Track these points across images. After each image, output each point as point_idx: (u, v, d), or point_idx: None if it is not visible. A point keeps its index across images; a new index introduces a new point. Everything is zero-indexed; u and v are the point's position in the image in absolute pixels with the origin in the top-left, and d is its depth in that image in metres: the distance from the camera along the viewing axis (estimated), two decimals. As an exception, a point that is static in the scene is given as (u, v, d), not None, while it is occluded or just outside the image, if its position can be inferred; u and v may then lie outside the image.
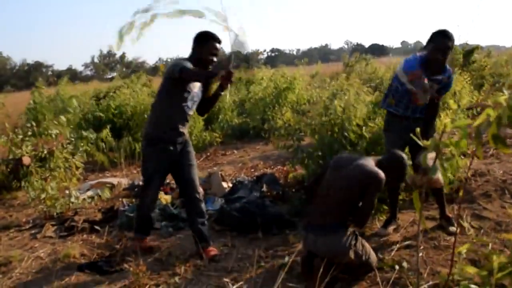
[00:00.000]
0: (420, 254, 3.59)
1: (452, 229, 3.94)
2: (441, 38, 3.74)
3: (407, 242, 3.82)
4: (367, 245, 3.34)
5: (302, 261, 3.34)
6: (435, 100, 3.92)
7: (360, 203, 3.19)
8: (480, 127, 1.50)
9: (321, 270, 2.83)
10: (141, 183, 5.97)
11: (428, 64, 3.80)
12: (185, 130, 3.98)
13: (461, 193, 2.78)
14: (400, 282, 3.18)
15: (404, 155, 3.50)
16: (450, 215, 4.12)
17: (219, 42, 3.85)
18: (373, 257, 3.31)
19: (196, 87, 3.89)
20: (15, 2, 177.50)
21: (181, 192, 4.25)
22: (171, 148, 3.89)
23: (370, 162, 3.30)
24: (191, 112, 3.98)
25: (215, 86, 4.02)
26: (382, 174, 3.18)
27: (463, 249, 2.06)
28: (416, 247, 3.72)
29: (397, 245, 3.76)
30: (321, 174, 3.47)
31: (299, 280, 3.32)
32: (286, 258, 3.63)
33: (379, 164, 3.32)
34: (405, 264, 3.40)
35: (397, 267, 3.33)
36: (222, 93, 3.95)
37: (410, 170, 4.42)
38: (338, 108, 4.82)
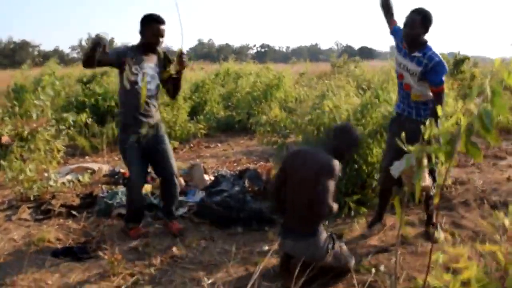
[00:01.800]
0: (395, 259, 3.60)
1: (437, 236, 3.95)
2: (409, 14, 3.76)
3: (385, 246, 3.84)
4: (345, 247, 3.34)
5: (281, 260, 3.32)
6: (433, 91, 3.79)
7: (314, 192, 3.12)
8: (454, 134, 1.51)
9: (298, 269, 2.81)
10: (121, 170, 5.94)
11: (406, 42, 3.84)
12: (151, 111, 4.03)
13: (436, 200, 2.72)
14: (376, 285, 3.19)
15: (350, 126, 3.48)
16: (436, 222, 4.14)
17: (162, 22, 3.93)
18: (350, 259, 3.30)
19: (146, 67, 3.95)
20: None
21: (157, 173, 4.30)
22: (142, 132, 3.97)
23: (320, 152, 3.25)
24: (153, 93, 4.05)
25: (171, 69, 4.08)
26: (334, 161, 3.13)
27: (440, 256, 2.07)
28: (393, 252, 3.74)
29: (375, 249, 3.77)
30: (279, 179, 3.39)
31: (275, 278, 3.30)
32: (260, 257, 3.62)
33: (328, 150, 3.27)
34: (382, 267, 3.41)
35: (373, 270, 3.33)
36: (180, 75, 4.13)
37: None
38: (325, 108, 4.80)
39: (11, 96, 9.58)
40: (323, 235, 3.20)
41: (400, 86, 3.98)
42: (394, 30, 4.05)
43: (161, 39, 3.96)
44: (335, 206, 3.16)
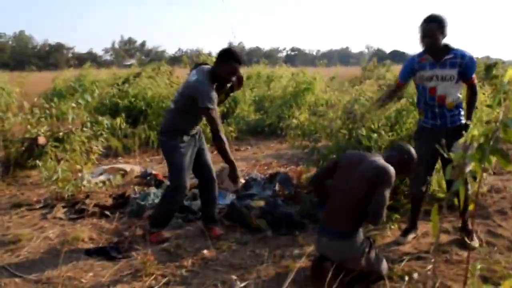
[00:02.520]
0: (430, 266, 3.54)
1: (473, 243, 3.88)
2: (423, 24, 3.79)
3: (419, 254, 3.77)
4: (380, 254, 3.29)
5: (313, 264, 3.29)
6: (472, 82, 3.86)
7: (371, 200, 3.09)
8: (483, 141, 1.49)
9: (330, 274, 2.79)
10: (153, 171, 6.01)
11: (429, 52, 3.84)
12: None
13: (471, 207, 2.63)
14: (408, 293, 3.13)
15: (411, 147, 3.47)
16: (472, 229, 4.05)
17: (240, 63, 3.98)
18: (384, 266, 3.26)
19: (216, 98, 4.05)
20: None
21: (197, 175, 4.30)
22: (191, 138, 4.07)
23: (379, 158, 3.24)
24: None
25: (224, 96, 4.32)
26: (391, 168, 3.12)
27: (477, 266, 2.02)
28: (427, 259, 3.67)
29: (408, 256, 3.71)
30: (328, 170, 3.40)
31: (306, 283, 3.28)
32: (291, 261, 3.60)
33: (387, 159, 3.27)
34: (415, 275, 3.34)
35: (406, 278, 3.28)
36: (230, 94, 4.30)
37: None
38: (357, 113, 4.75)
39: (48, 98, 9.84)
40: (361, 237, 3.16)
41: (431, 101, 3.90)
42: (405, 79, 4.09)
43: (233, 78, 4.04)
44: (384, 214, 3.12)
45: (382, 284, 3.19)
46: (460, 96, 3.95)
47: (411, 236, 4.09)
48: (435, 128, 3.91)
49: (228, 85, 4.12)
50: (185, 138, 4.00)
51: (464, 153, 1.58)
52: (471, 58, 3.80)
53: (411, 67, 3.96)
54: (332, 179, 3.35)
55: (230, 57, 3.91)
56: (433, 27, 3.73)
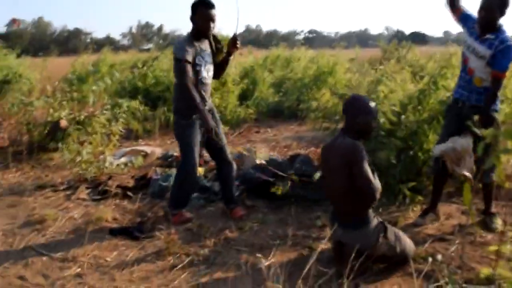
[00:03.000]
0: (454, 248, 3.50)
1: (496, 226, 3.83)
2: None
3: (442, 236, 3.74)
4: (401, 234, 3.24)
5: (334, 246, 3.27)
6: (495, 75, 3.66)
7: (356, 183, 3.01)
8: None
9: (352, 256, 2.77)
10: (174, 153, 6.04)
11: (479, 25, 3.72)
12: (208, 96, 4.12)
13: (507, 184, 2.63)
14: (433, 275, 3.10)
15: (354, 95, 3.36)
16: (495, 212, 3.99)
17: (213, 7, 3.92)
18: (409, 246, 3.21)
19: (206, 55, 4.01)
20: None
21: (213, 157, 4.30)
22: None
23: (343, 138, 3.10)
24: (209, 80, 4.13)
25: (222, 53, 4.21)
26: (352, 144, 3.01)
27: (508, 249, 1.98)
28: (450, 241, 3.63)
29: (432, 238, 3.67)
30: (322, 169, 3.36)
31: (329, 264, 3.27)
32: (313, 242, 3.61)
33: (347, 130, 3.13)
34: (439, 257, 3.31)
35: (430, 259, 3.25)
36: (230, 57, 4.19)
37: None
38: (381, 94, 4.70)
39: (69, 82, 9.94)
40: (373, 223, 3.10)
41: (463, 70, 3.85)
42: (462, 17, 3.90)
43: (212, 24, 3.96)
44: (378, 185, 3.04)
45: (405, 266, 3.16)
46: None
47: (429, 218, 4.05)
48: (461, 102, 3.82)
49: (209, 33, 4.00)
50: (195, 116, 3.95)
51: (497, 130, 1.55)
52: (508, 48, 3.57)
53: (469, 22, 3.84)
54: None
55: (196, 6, 3.89)
56: (493, 2, 3.61)
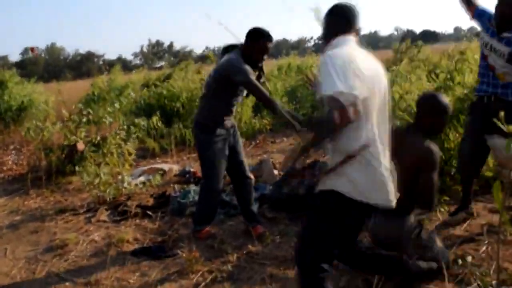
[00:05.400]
0: (484, 249, 3.39)
1: None
2: None
3: (471, 236, 3.63)
4: (438, 240, 3.10)
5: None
6: None
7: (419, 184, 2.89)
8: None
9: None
10: (191, 169, 6.02)
11: (496, 21, 3.61)
12: (233, 113, 4.11)
13: None
14: (464, 277, 3.00)
15: (430, 92, 3.23)
16: None
17: (271, 40, 3.85)
18: (442, 252, 3.07)
19: None
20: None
21: (231, 174, 4.19)
22: (224, 132, 3.95)
23: (417, 137, 2.95)
24: (240, 101, 4.19)
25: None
26: (431, 150, 2.85)
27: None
28: (480, 241, 3.52)
29: (460, 239, 3.57)
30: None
31: (355, 272, 3.19)
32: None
33: (419, 127, 2.98)
34: (469, 258, 3.21)
35: (460, 261, 3.15)
36: (261, 80, 4.06)
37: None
38: (396, 95, 4.61)
39: (87, 104, 10.04)
40: (412, 219, 3.02)
41: (484, 67, 3.75)
42: (477, 14, 3.81)
43: (265, 57, 3.92)
44: (435, 200, 2.94)
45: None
46: None
47: (460, 215, 3.94)
48: (487, 98, 3.73)
49: (260, 64, 3.96)
50: (219, 131, 3.90)
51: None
52: None
53: (484, 17, 3.74)
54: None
55: (260, 35, 3.80)
56: None
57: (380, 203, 2.28)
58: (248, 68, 3.74)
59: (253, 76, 3.76)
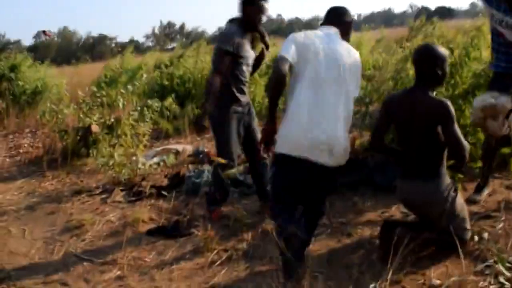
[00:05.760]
0: (501, 225, 3.36)
1: None
2: None
3: (487, 213, 3.60)
4: (466, 208, 3.10)
5: (382, 229, 3.16)
6: None
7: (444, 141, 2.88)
8: None
9: (405, 241, 2.67)
10: (205, 149, 6.03)
11: None
12: (246, 90, 4.04)
13: None
14: (480, 254, 2.98)
15: (427, 43, 3.27)
16: None
17: (266, 0, 3.81)
18: (467, 224, 3.08)
19: (249, 50, 3.91)
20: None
21: (247, 154, 4.18)
22: (240, 109, 3.92)
23: (425, 94, 2.93)
24: (247, 74, 4.01)
25: (259, 45, 4.09)
26: (443, 102, 2.85)
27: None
28: (496, 218, 3.48)
29: (477, 216, 3.53)
30: (382, 124, 3.12)
31: (371, 251, 3.19)
32: (352, 228, 3.56)
33: (423, 82, 2.96)
34: (485, 235, 3.18)
35: (476, 238, 3.13)
36: (267, 51, 4.11)
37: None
38: (410, 72, 4.54)
39: (100, 86, 10.08)
40: (446, 179, 2.98)
41: (499, 44, 3.64)
42: None
43: (263, 17, 3.86)
44: (467, 145, 2.89)
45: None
46: None
47: (485, 193, 3.90)
48: (505, 76, 3.62)
49: (261, 28, 3.92)
50: (232, 109, 3.87)
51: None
52: None
53: None
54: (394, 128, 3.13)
55: None
56: None
57: (313, 160, 2.77)
58: (234, 37, 3.74)
59: (231, 46, 3.72)
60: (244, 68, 3.91)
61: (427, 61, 2.94)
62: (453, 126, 2.84)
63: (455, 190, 3.02)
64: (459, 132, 2.86)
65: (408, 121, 2.98)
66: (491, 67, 3.83)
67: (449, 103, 2.86)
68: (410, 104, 2.96)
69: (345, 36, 3.06)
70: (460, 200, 3.04)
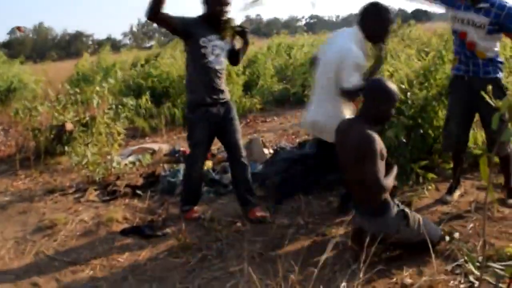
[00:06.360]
0: (471, 225, 3.42)
1: None
2: None
3: (458, 213, 3.66)
4: (425, 220, 3.07)
5: (352, 230, 3.17)
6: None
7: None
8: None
9: (372, 241, 2.68)
10: (181, 148, 6.00)
11: None
12: (221, 86, 3.88)
13: None
14: (451, 254, 3.02)
15: (379, 78, 3.18)
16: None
17: None
18: (434, 230, 3.06)
19: (214, 39, 3.79)
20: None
21: (228, 154, 4.09)
22: (214, 110, 3.84)
23: (358, 124, 2.91)
24: (218, 66, 3.83)
25: (228, 32, 3.88)
26: (368, 136, 2.80)
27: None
28: (468, 218, 3.54)
29: (448, 216, 3.59)
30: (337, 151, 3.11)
31: (345, 250, 3.20)
32: (327, 228, 3.57)
33: (366, 115, 2.94)
34: (456, 235, 3.23)
35: (447, 238, 3.17)
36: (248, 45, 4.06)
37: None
38: (386, 73, 4.59)
39: (73, 84, 9.92)
40: (393, 211, 2.95)
41: (461, 47, 3.68)
42: None
43: (226, 9, 3.76)
44: (389, 183, 2.88)
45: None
46: (497, 50, 3.68)
47: (457, 194, 3.97)
48: (468, 78, 3.67)
49: (224, 19, 3.80)
50: (204, 109, 3.79)
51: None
52: (511, 9, 3.44)
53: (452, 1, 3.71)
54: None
55: None
56: None
57: None
58: (186, 19, 3.75)
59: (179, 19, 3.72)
60: (211, 58, 3.76)
61: (375, 95, 2.92)
62: (372, 163, 2.78)
63: (405, 217, 2.97)
64: (378, 170, 2.80)
65: (341, 152, 3.00)
66: (454, 71, 3.86)
67: (375, 138, 2.81)
68: (345, 134, 2.96)
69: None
70: (413, 220, 2.98)
